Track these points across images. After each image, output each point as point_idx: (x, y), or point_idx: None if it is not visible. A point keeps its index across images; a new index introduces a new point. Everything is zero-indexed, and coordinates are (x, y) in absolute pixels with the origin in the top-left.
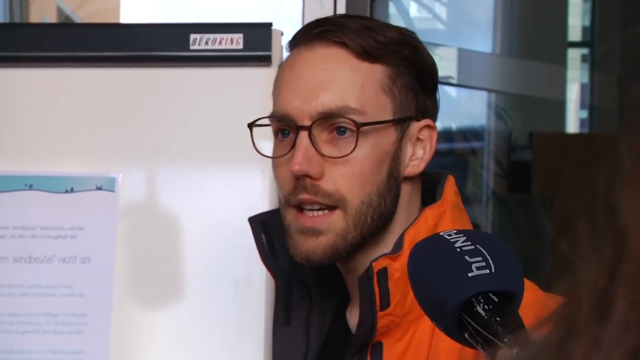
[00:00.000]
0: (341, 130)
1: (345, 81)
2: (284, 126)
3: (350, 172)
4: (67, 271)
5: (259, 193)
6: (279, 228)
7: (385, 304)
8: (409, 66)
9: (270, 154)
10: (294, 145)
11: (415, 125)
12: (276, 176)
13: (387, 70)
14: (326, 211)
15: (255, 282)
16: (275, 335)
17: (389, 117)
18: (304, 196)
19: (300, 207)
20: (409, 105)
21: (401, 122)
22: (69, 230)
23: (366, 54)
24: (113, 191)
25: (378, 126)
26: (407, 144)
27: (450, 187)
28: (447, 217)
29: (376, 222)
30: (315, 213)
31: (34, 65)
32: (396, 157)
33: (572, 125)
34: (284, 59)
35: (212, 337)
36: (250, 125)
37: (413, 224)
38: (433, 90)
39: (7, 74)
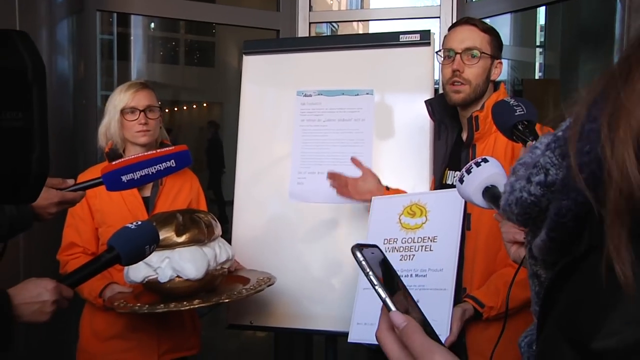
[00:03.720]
0: (473, 55)
1: (475, 38)
2: (449, 53)
3: (474, 71)
4: (355, 126)
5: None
6: (434, 103)
7: (477, 128)
8: (496, 37)
9: (438, 70)
10: (453, 61)
11: (496, 61)
12: (443, 72)
13: (490, 37)
14: (463, 85)
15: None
16: (434, 143)
17: (490, 53)
18: (455, 78)
19: (452, 83)
20: (496, 52)
21: (493, 58)
22: (357, 110)
23: (484, 29)
24: (372, 95)
25: (486, 56)
26: (493, 67)
27: (502, 86)
28: (501, 96)
29: (481, 92)
30: (459, 85)
31: (336, 49)
32: (490, 71)
33: (537, 76)
34: (448, 31)
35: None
36: (437, 52)
37: (488, 98)
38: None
39: (329, 56)
